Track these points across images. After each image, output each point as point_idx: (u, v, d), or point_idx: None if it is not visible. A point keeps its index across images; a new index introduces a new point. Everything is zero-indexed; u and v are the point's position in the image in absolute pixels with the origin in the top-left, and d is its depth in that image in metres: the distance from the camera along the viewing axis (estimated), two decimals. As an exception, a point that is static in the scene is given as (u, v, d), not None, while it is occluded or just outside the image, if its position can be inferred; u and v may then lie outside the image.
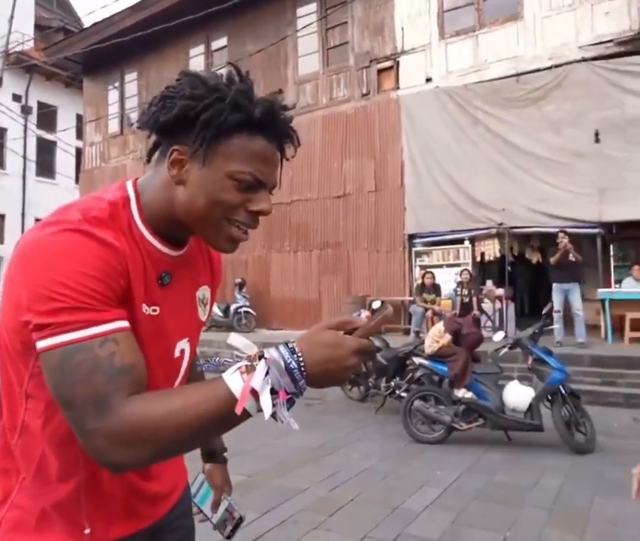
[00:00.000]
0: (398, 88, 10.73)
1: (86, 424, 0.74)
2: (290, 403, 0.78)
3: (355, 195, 11.17)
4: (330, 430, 5.46)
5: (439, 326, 5.56)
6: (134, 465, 0.77)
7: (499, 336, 5.16)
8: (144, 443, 0.74)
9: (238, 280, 11.90)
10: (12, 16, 20.82)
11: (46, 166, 22.36)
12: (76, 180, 19.45)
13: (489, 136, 9.63)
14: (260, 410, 0.75)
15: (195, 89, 0.85)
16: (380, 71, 10.98)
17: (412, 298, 9.91)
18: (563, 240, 8.00)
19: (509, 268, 9.68)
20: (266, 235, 12.21)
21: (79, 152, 18.95)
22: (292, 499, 3.66)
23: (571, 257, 7.94)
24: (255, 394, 0.74)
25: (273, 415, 0.76)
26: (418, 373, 5.54)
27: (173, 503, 1.05)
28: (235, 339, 0.82)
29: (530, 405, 4.66)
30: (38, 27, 22.44)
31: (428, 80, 10.38)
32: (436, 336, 5.36)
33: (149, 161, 0.97)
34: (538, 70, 9.16)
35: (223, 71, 0.91)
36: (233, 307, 11.64)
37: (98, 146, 16.13)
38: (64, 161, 22.03)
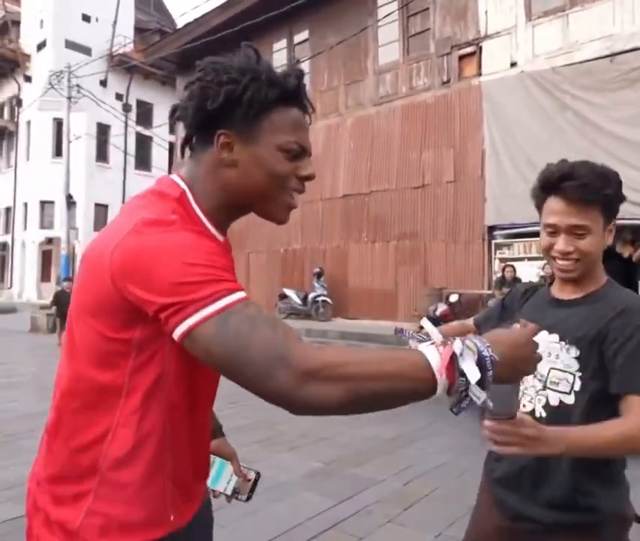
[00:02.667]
0: (480, 74, 10.39)
1: (273, 371, 0.73)
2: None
3: (434, 186, 11.02)
4: (404, 421, 5.43)
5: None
6: (325, 404, 0.74)
7: None
8: (342, 380, 0.73)
9: (316, 269, 12.19)
10: (115, 22, 22.59)
11: (143, 159, 24.11)
12: (169, 172, 20.76)
13: (577, 121, 9.08)
14: (448, 393, 0.76)
15: (229, 74, 0.89)
16: (461, 58, 10.69)
17: (490, 292, 9.64)
18: None
19: (598, 262, 9.12)
20: (344, 225, 12.40)
21: (171, 146, 20.25)
22: (367, 489, 3.67)
23: None
24: (449, 373, 0.75)
25: (464, 397, 0.77)
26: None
27: (205, 494, 1.10)
28: (426, 323, 0.85)
29: None
30: (137, 30, 24.13)
31: (513, 64, 9.96)
32: None
33: (182, 155, 1.00)
34: (636, 49, 8.48)
35: (247, 54, 0.94)
36: (311, 296, 11.97)
37: (188, 141, 17.10)
38: (159, 154, 23.63)
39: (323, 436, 4.96)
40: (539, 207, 1.33)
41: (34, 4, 23.01)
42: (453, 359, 0.75)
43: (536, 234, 8.78)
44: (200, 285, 0.76)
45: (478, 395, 0.76)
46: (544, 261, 9.08)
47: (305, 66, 13.46)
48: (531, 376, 1.30)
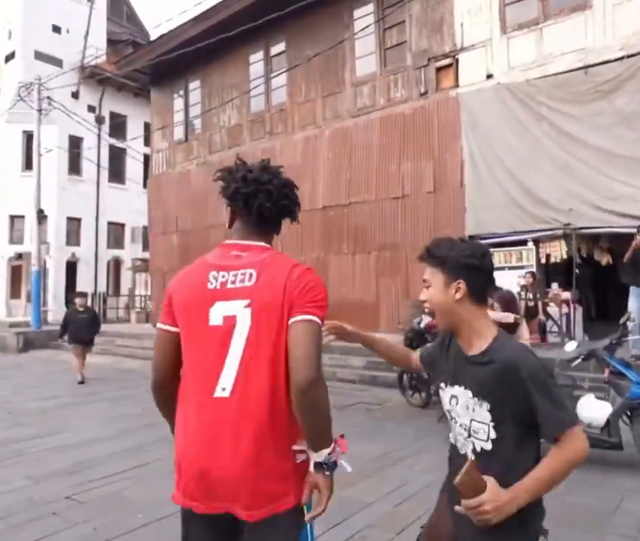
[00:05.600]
0: (457, 86, 10.49)
1: (320, 368, 1.36)
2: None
3: (414, 196, 11.04)
4: (391, 438, 5.38)
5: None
6: (313, 399, 1.35)
7: (571, 346, 4.91)
8: (324, 393, 1.38)
9: (297, 282, 12.04)
10: (87, 33, 22.20)
11: (117, 172, 23.65)
12: (144, 185, 20.46)
13: (554, 132, 9.23)
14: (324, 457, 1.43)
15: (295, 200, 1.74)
16: (438, 70, 10.78)
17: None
18: (638, 236, 7.47)
19: (577, 271, 9.24)
20: (324, 237, 12.33)
21: (146, 159, 19.91)
22: (358, 513, 3.61)
23: None
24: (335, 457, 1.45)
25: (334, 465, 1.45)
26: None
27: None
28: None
29: (608, 421, 4.33)
30: (110, 41, 23.76)
31: (489, 76, 10.08)
32: None
33: (268, 227, 1.67)
34: (609, 61, 8.67)
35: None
36: (291, 309, 11.80)
37: (164, 153, 16.87)
38: (133, 167, 23.24)
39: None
40: None
41: (2, 14, 22.47)
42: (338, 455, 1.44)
43: (516, 244, 8.75)
44: (324, 308, 1.45)
45: (349, 469, 1.49)
46: (525, 271, 9.17)
47: (282, 78, 13.43)
48: (458, 425, 1.58)
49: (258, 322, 1.39)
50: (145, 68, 16.70)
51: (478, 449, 1.51)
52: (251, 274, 1.44)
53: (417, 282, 10.82)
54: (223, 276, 1.46)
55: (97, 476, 4.38)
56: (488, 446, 1.48)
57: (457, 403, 1.58)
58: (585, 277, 10.72)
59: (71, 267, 22.26)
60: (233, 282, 1.44)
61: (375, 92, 11.81)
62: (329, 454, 1.39)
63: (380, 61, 11.75)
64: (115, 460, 4.81)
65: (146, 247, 19.95)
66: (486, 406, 1.48)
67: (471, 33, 10.30)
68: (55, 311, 19.99)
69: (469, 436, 1.54)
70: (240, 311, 1.41)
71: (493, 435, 1.48)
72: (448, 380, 1.62)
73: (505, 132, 9.66)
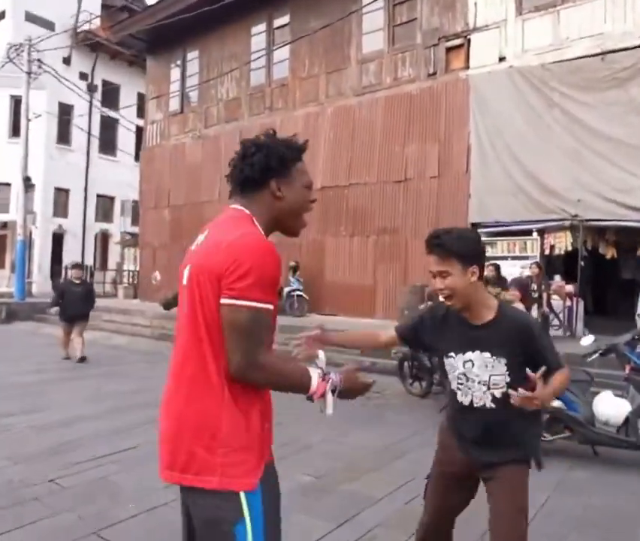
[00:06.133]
0: (468, 67, 10.15)
1: (255, 353, 1.31)
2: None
3: (417, 180, 10.73)
4: (392, 429, 5.16)
5: None
6: (253, 383, 1.35)
7: (588, 340, 4.68)
8: (266, 375, 1.34)
9: (292, 263, 11.75)
10: (80, -4, 21.38)
11: (108, 143, 22.97)
12: (136, 158, 19.87)
13: (565, 120, 8.94)
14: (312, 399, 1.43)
15: (265, 151, 1.47)
16: (449, 50, 10.42)
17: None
18: None
19: (582, 263, 9.02)
20: (321, 218, 11.98)
21: (139, 131, 19.31)
22: (367, 510, 3.35)
23: None
24: (318, 395, 1.41)
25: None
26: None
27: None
28: (321, 355, 1.55)
29: (626, 419, 4.15)
30: (104, 6, 22.96)
31: (501, 59, 9.75)
32: None
33: (242, 190, 1.49)
34: (627, 48, 8.38)
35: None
36: (286, 290, 11.52)
37: (158, 124, 16.34)
38: (126, 139, 22.56)
39: (311, 442, 4.58)
40: None
41: (-8, -28, 21.54)
42: (325, 390, 1.41)
43: (520, 234, 8.39)
44: (259, 289, 1.33)
45: (329, 410, 1.43)
46: (530, 262, 8.92)
47: (284, 52, 12.96)
48: (476, 383, 1.91)
49: (192, 284, 1.39)
50: (141, 35, 16.10)
51: (498, 396, 1.88)
52: (204, 236, 1.47)
53: (416, 268, 10.55)
54: (199, 238, 1.52)
55: (82, 458, 4.06)
56: (505, 389, 1.86)
57: (472, 366, 1.90)
58: (585, 270, 10.53)
59: (58, 239, 21.67)
60: (196, 243, 1.49)
61: (382, 71, 11.42)
62: (309, 396, 1.42)
63: (388, 38, 11.34)
64: (102, 441, 4.49)
65: (135, 221, 19.42)
66: (503, 361, 1.86)
67: (485, 13, 9.93)
68: (40, 283, 19.48)
69: (488, 388, 1.89)
70: (188, 271, 1.44)
71: (508, 380, 1.87)
72: (459, 348, 1.93)
73: (515, 117, 9.36)
